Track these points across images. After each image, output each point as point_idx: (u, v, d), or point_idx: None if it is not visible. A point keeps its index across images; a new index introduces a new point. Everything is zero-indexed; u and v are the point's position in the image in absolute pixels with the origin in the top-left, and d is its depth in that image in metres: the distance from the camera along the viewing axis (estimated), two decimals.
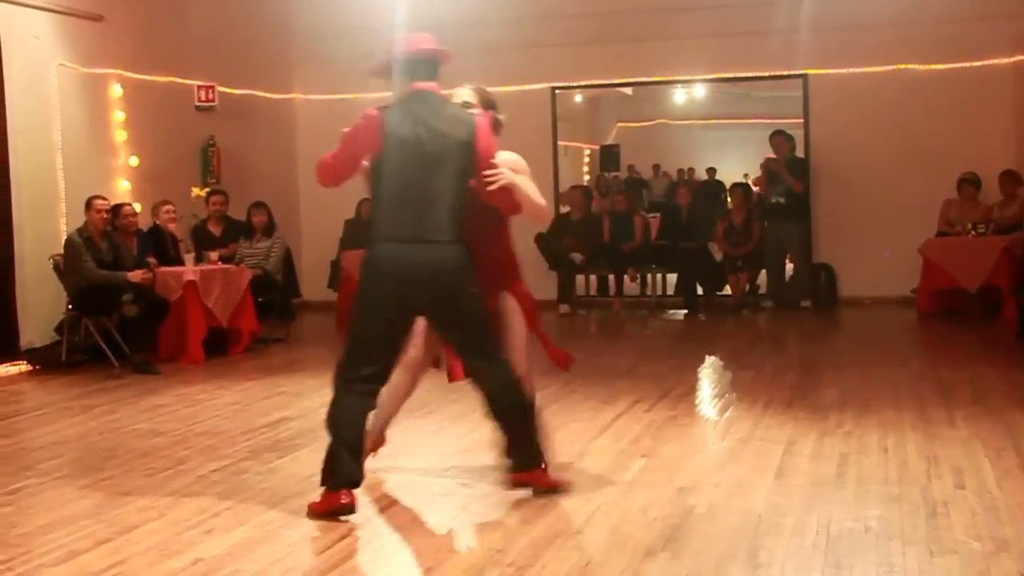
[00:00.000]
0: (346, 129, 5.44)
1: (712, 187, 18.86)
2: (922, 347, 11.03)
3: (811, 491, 5.54)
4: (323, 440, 6.89)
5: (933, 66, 13.44)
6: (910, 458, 6.13)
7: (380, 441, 6.15)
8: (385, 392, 5.64)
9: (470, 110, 5.67)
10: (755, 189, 14.46)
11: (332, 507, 5.26)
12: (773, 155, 13.68)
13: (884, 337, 11.48)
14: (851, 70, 13.66)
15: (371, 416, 5.57)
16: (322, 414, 7.74)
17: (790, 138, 13.72)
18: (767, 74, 14.35)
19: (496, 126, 5.81)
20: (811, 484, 5.67)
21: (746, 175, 16.81)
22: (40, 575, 4.61)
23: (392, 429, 6.46)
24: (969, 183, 12.80)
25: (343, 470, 5.28)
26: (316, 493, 5.59)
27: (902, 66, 13.48)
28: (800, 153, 13.86)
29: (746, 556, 4.58)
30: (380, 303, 5.33)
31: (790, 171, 13.45)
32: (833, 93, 13.78)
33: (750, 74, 14.55)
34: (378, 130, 5.31)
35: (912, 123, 13.48)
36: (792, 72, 13.98)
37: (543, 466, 5.61)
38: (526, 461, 5.58)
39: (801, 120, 14.16)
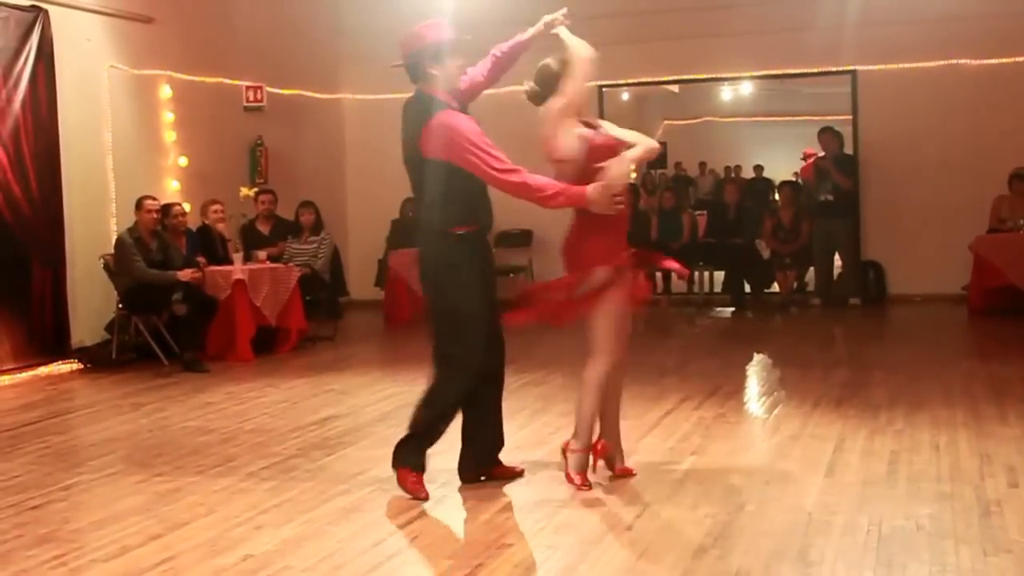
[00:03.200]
0: (469, 137, 5.45)
1: (759, 184, 18.77)
2: (973, 345, 10.92)
3: (862, 489, 5.50)
4: (371, 438, 6.98)
5: (985, 61, 13.29)
6: (962, 456, 6.07)
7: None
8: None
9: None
10: (802, 167, 14.19)
11: None
12: (821, 152, 13.57)
13: (934, 335, 11.36)
14: (901, 65, 13.51)
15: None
16: (369, 412, 7.88)
17: (838, 135, 13.60)
18: (815, 70, 14.24)
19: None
20: (862, 482, 5.63)
21: (796, 173, 16.71)
22: (92, 570, 4.65)
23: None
24: (1021, 179, 12.65)
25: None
26: (362, 491, 5.64)
27: (953, 61, 13.34)
28: (848, 150, 13.74)
29: (796, 554, 4.55)
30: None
31: (838, 168, 13.35)
32: (882, 89, 13.65)
33: (797, 70, 14.45)
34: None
35: (963, 119, 13.32)
36: (840, 68, 13.86)
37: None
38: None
39: (849, 117, 14.04)
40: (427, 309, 5.70)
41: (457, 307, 5.52)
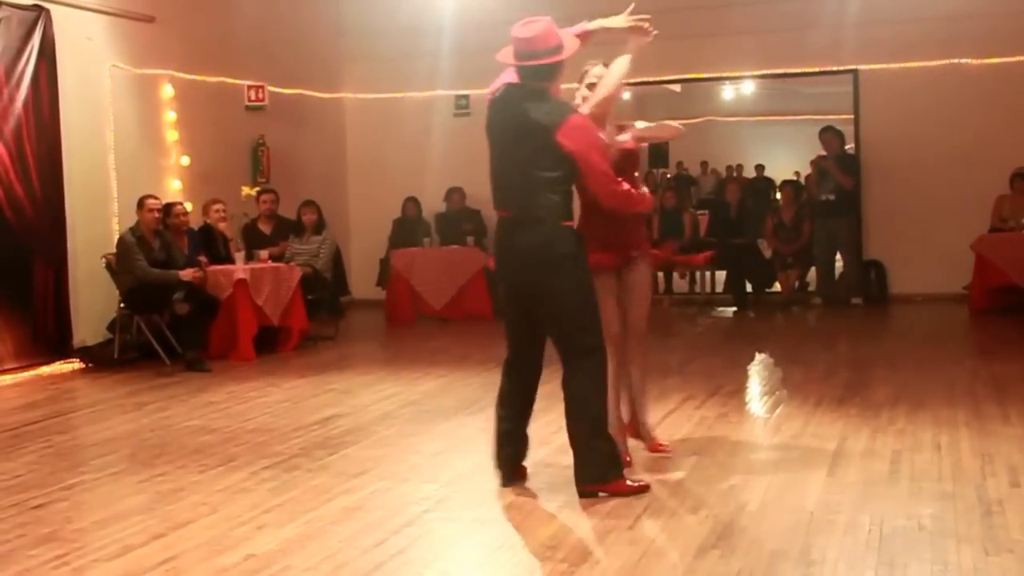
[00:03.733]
0: (601, 143, 5.63)
1: (761, 184, 18.78)
2: (975, 344, 10.92)
3: (864, 489, 5.49)
4: (372, 438, 6.99)
5: (987, 60, 13.27)
6: (964, 456, 6.06)
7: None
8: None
9: None
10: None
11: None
12: (823, 152, 13.57)
13: (936, 334, 11.36)
14: (902, 65, 13.49)
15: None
16: (371, 411, 7.88)
17: (840, 134, 13.60)
18: (816, 69, 14.23)
19: None
20: (863, 482, 5.62)
21: (796, 172, 16.74)
22: (95, 569, 4.65)
23: (443, 426, 6.49)
24: (1022, 178, 12.65)
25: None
26: (364, 490, 5.63)
27: (955, 60, 13.32)
28: (850, 149, 13.74)
29: (798, 554, 4.54)
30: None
31: (840, 168, 13.34)
32: (884, 88, 13.63)
33: (799, 70, 14.44)
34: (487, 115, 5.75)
35: (964, 118, 13.30)
36: (842, 67, 13.85)
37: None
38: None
39: (851, 116, 14.03)
40: (541, 303, 5.58)
41: (586, 297, 5.53)
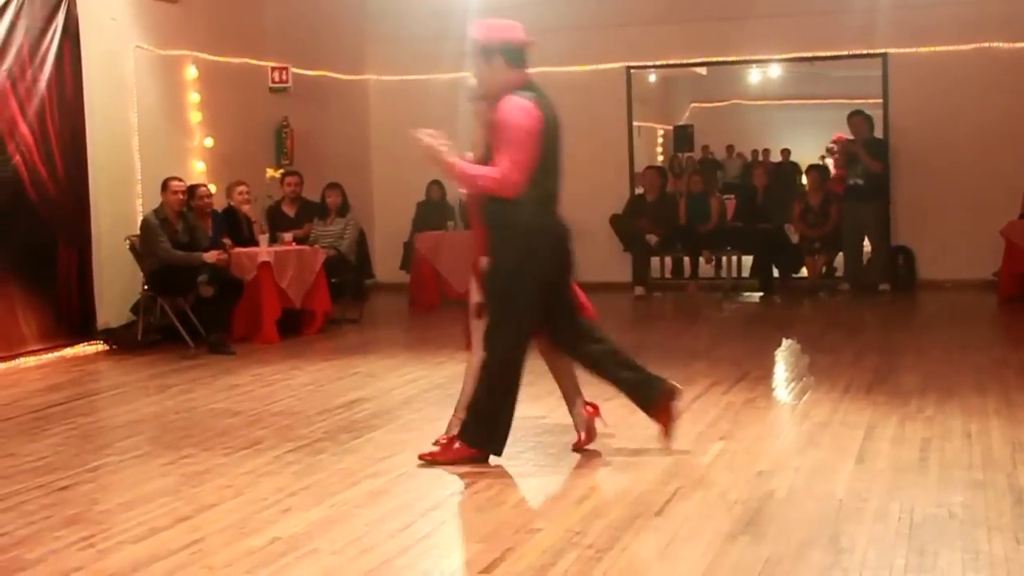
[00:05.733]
0: (516, 130, 5.62)
1: (788, 168, 18.67)
2: (1004, 331, 10.84)
3: (893, 476, 5.45)
4: (398, 421, 6.98)
5: (1017, 44, 13.14)
6: (994, 444, 6.01)
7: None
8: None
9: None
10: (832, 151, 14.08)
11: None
12: (850, 135, 13.46)
13: (965, 321, 11.27)
14: (932, 48, 13.38)
15: None
16: (396, 395, 7.86)
17: (869, 118, 13.48)
18: (845, 53, 14.11)
19: None
20: (893, 469, 5.58)
21: (822, 157, 16.60)
22: (120, 552, 4.64)
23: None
24: None
25: None
26: (390, 474, 5.61)
27: (985, 44, 13.19)
28: (879, 134, 13.62)
29: (827, 541, 4.50)
30: (548, 274, 5.83)
31: (869, 152, 13.23)
32: (914, 72, 13.52)
33: (827, 53, 14.34)
34: (542, 118, 5.66)
35: (995, 103, 13.18)
36: (871, 51, 13.74)
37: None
38: None
39: (879, 100, 13.92)
40: (568, 290, 6.01)
41: None
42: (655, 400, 5.99)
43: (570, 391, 6.20)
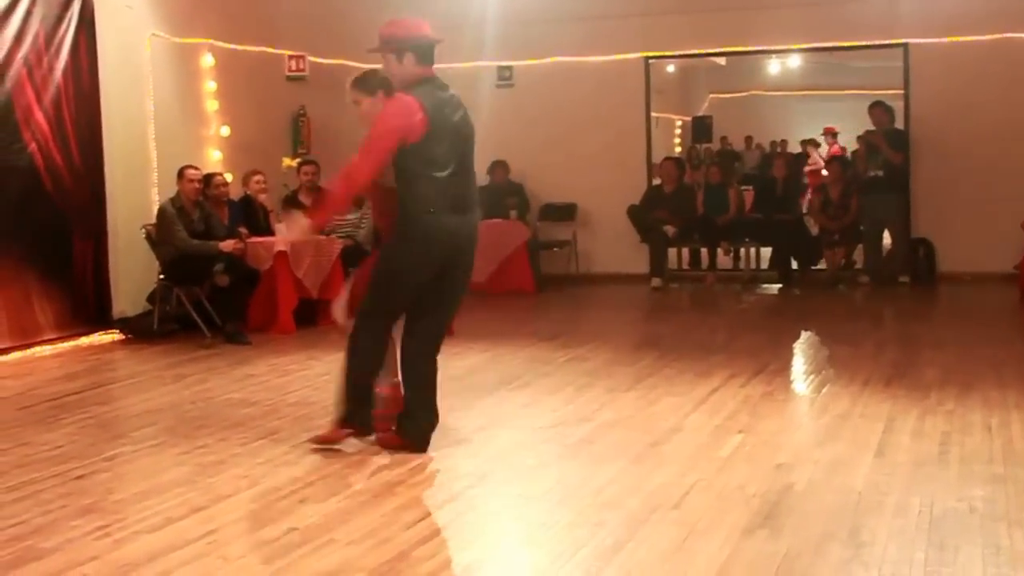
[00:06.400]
0: (379, 124, 5.89)
1: (806, 159, 18.60)
2: None
3: (913, 470, 5.42)
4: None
5: None
6: (1015, 438, 5.97)
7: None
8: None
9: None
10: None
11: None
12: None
13: (985, 314, 11.20)
14: (954, 39, 13.26)
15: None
16: None
17: (889, 109, 13.39)
18: (866, 43, 14.01)
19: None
20: (913, 463, 5.54)
21: (843, 148, 16.54)
22: (136, 541, 4.62)
23: (485, 401, 6.44)
24: None
25: None
26: (406, 465, 5.58)
27: (1008, 35, 13.08)
28: (899, 125, 13.54)
29: (847, 535, 4.47)
30: (427, 267, 5.80)
31: (889, 143, 13.14)
32: (935, 63, 13.39)
33: (848, 43, 14.23)
34: (423, 114, 5.74)
35: (1018, 94, 13.06)
36: (892, 41, 13.63)
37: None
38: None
39: (900, 91, 13.82)
40: (448, 291, 6.01)
41: None
42: (406, 432, 5.99)
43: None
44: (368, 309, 5.91)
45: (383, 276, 5.88)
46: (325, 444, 6.01)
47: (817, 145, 19.26)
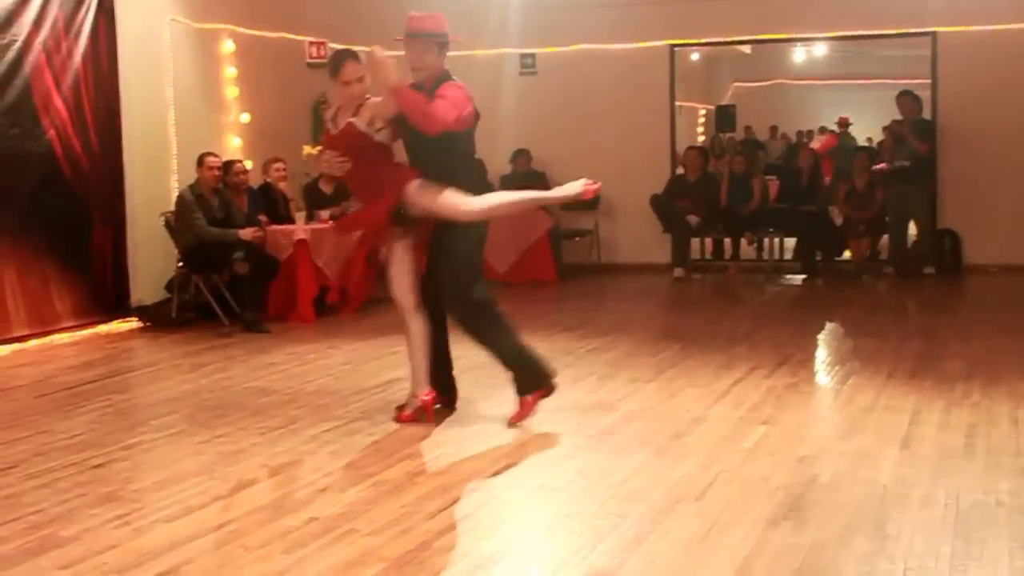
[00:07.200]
0: (459, 98, 6.18)
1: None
2: None
3: (938, 462, 5.36)
4: None
5: None
6: None
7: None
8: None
9: None
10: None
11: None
12: (897, 116, 13.25)
13: (1012, 306, 11.08)
14: (983, 28, 13.12)
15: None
16: None
17: (917, 99, 13.25)
18: (893, 32, 13.87)
19: None
20: (938, 455, 5.48)
21: (869, 139, 16.41)
22: (156, 530, 4.60)
23: (507, 391, 6.41)
24: None
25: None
26: (427, 455, 5.54)
27: None
28: (927, 115, 13.41)
29: (872, 528, 4.43)
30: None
31: (915, 133, 13.02)
32: (963, 52, 13.24)
33: (875, 32, 14.09)
34: (473, 103, 6.28)
35: None
36: (920, 30, 13.49)
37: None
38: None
39: (927, 80, 13.69)
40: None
41: None
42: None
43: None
44: (467, 292, 6.26)
45: (472, 255, 6.36)
46: (522, 421, 6.26)
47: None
